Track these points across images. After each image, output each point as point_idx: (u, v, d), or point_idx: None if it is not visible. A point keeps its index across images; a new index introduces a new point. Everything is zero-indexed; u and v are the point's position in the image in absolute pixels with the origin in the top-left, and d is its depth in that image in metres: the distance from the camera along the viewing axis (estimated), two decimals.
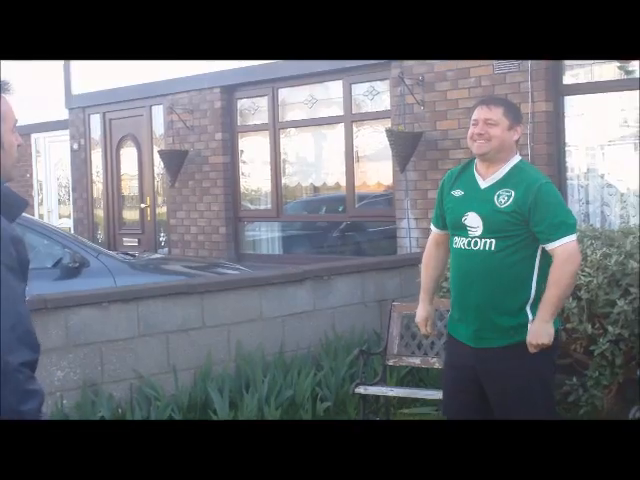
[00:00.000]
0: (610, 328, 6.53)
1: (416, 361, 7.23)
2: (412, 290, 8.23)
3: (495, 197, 4.72)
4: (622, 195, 8.88)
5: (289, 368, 7.73)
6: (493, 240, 4.68)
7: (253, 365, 7.57)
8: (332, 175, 11.72)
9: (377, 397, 7.39)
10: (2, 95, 3.08)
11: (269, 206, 12.26)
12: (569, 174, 9.21)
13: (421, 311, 5.18)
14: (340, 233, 11.64)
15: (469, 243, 4.76)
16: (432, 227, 5.17)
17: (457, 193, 4.88)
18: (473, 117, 4.83)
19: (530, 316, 4.70)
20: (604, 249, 6.80)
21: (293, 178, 12.19)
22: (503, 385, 4.75)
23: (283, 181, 12.11)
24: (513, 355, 4.70)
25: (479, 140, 4.75)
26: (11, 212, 3.10)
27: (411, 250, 9.95)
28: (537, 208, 4.64)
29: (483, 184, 4.80)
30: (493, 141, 4.72)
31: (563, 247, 4.62)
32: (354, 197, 11.20)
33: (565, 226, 4.67)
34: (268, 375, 7.48)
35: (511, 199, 4.68)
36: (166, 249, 13.44)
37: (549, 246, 4.65)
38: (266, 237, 12.65)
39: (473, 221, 4.76)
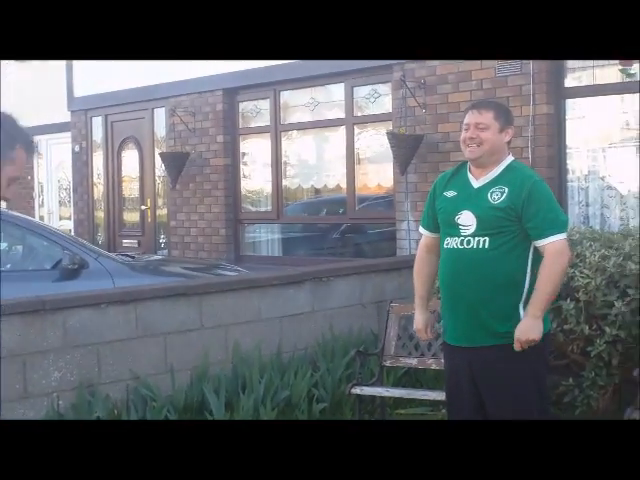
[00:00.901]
0: (607, 329, 6.52)
1: (413, 362, 7.22)
2: (410, 291, 8.12)
3: (488, 195, 4.74)
4: (622, 197, 8.87)
5: (286, 369, 7.71)
6: (487, 238, 4.69)
7: (250, 366, 7.55)
8: (333, 177, 11.72)
9: (373, 398, 7.37)
10: None
11: (269, 208, 12.26)
12: (570, 176, 9.21)
13: (419, 317, 5.19)
14: (340, 235, 11.63)
15: (462, 242, 4.76)
16: (422, 230, 5.17)
17: (450, 194, 4.89)
18: (465, 122, 4.86)
19: (523, 316, 4.69)
20: (603, 251, 6.79)
21: (294, 180, 12.18)
22: (496, 384, 4.75)
23: (284, 183, 12.11)
24: (506, 355, 4.69)
25: (471, 145, 4.78)
26: None
27: (411, 252, 9.92)
28: (530, 204, 4.66)
29: (476, 184, 4.82)
30: (484, 145, 4.75)
31: (554, 244, 4.64)
32: (355, 199, 11.20)
33: (557, 223, 4.70)
34: (265, 376, 7.46)
35: (505, 195, 4.70)
36: (166, 251, 13.45)
37: (540, 242, 4.66)
38: (266, 239, 12.65)
39: (466, 219, 4.76)
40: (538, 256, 4.71)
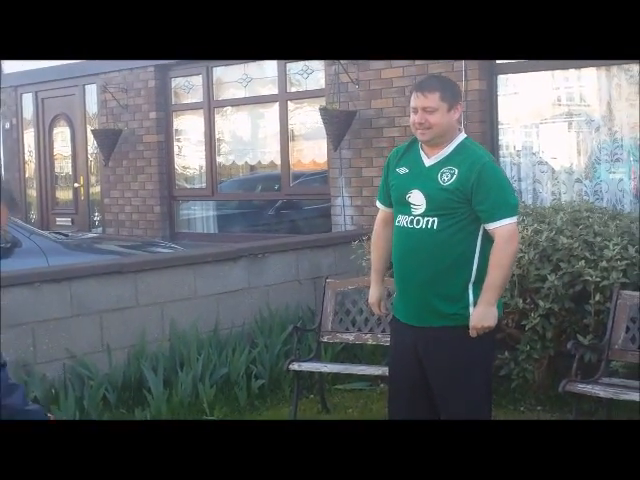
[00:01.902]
0: (541, 303, 6.61)
1: (350, 337, 7.25)
2: (346, 267, 8.28)
3: (439, 175, 4.68)
4: (554, 172, 8.96)
5: (224, 346, 7.72)
6: (436, 218, 4.65)
7: (187, 343, 7.55)
8: (267, 154, 11.70)
9: (311, 373, 7.41)
10: None
11: (204, 185, 12.21)
12: (502, 152, 9.28)
13: (373, 292, 5.14)
14: (275, 211, 11.63)
15: (412, 221, 4.72)
16: (378, 204, 5.10)
17: (402, 171, 4.83)
18: (412, 104, 4.75)
19: (472, 297, 4.68)
20: (535, 225, 6.88)
21: (228, 157, 12.14)
22: (442, 365, 4.72)
23: (218, 160, 12.06)
24: (455, 335, 4.67)
25: (420, 129, 4.70)
26: None
27: (345, 228, 9.97)
28: (480, 187, 4.60)
29: (428, 162, 4.76)
30: (434, 128, 4.67)
31: (504, 228, 4.61)
32: (289, 175, 11.19)
33: (507, 207, 4.66)
34: (202, 353, 7.46)
35: (454, 177, 4.64)
36: (100, 228, 13.35)
37: (490, 226, 4.62)
38: (201, 216, 12.60)
39: (417, 199, 4.73)
40: (488, 237, 4.69)
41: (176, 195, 12.49)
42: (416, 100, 4.71)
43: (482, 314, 4.61)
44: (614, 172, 8.56)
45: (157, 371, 7.21)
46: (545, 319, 6.70)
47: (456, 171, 4.66)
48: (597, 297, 6.46)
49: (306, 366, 7.07)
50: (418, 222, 4.71)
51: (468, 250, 4.69)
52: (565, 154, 8.92)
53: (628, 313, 6.30)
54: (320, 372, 7.25)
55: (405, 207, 4.78)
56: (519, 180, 9.10)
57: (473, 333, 4.63)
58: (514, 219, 4.68)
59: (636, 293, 6.35)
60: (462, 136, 4.80)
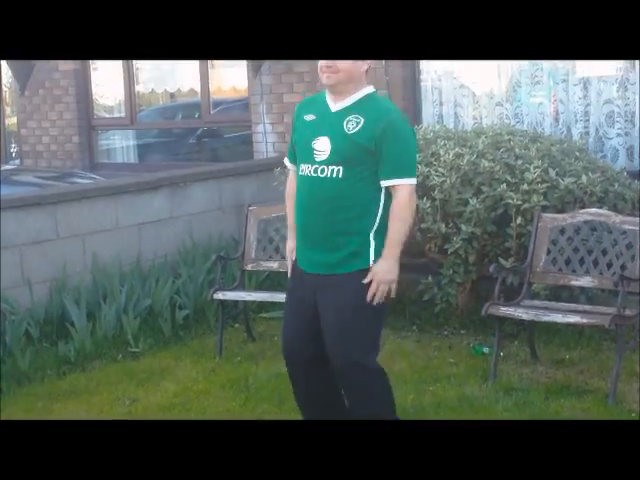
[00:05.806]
0: (463, 227, 6.65)
1: (274, 265, 7.23)
2: (269, 195, 8.22)
3: (345, 122, 4.63)
4: (475, 96, 8.96)
5: (147, 277, 7.67)
6: (340, 167, 4.59)
7: (110, 275, 7.48)
8: (187, 81, 11.54)
9: (236, 302, 7.39)
10: None
11: (123, 114, 12.02)
12: (424, 76, 9.24)
13: (290, 245, 5.01)
14: (196, 140, 11.53)
15: (315, 170, 4.65)
16: (289, 164, 4.99)
17: (309, 118, 4.78)
18: None
19: (373, 242, 4.65)
20: (457, 149, 6.90)
21: (147, 85, 11.95)
22: (336, 308, 4.66)
23: (137, 88, 11.87)
24: (351, 281, 4.63)
25: (327, 72, 4.62)
26: None
27: (267, 155, 9.91)
28: (384, 142, 4.56)
29: (334, 107, 4.71)
30: (341, 73, 4.59)
31: (405, 187, 4.58)
32: (209, 103, 11.07)
33: (409, 167, 4.62)
34: (125, 285, 7.41)
35: (359, 126, 4.59)
36: (17, 160, 13.11)
37: (389, 182, 4.59)
38: (121, 145, 12.42)
39: (322, 145, 4.67)
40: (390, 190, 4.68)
41: (95, 124, 12.28)
42: None
43: (387, 268, 4.60)
44: (534, 95, 8.59)
45: (80, 304, 7.14)
46: (467, 243, 6.75)
47: (362, 120, 4.60)
48: (518, 220, 6.52)
49: (230, 295, 7.05)
50: (322, 171, 4.64)
51: (372, 200, 4.65)
52: (486, 78, 8.91)
53: (549, 235, 6.36)
54: (244, 301, 7.23)
55: (309, 155, 4.70)
56: (440, 104, 9.08)
57: (374, 286, 4.60)
58: (414, 180, 4.63)
59: (557, 216, 6.42)
60: (370, 89, 4.72)
